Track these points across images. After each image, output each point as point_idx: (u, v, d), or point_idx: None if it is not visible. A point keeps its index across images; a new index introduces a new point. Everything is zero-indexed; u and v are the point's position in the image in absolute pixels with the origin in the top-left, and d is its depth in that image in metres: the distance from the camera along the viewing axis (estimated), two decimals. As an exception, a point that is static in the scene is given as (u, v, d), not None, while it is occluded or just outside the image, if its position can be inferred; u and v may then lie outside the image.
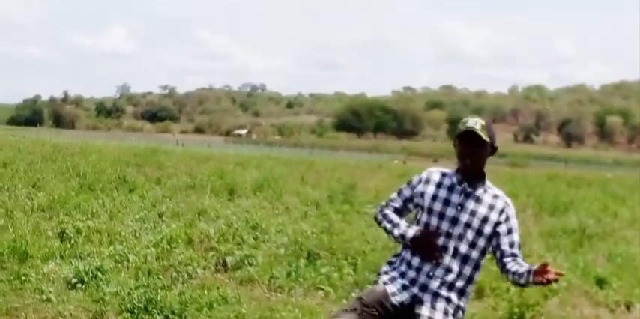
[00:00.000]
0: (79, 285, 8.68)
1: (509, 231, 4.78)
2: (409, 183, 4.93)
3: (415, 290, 4.63)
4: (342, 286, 9.32)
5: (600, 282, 10.70)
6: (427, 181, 4.81)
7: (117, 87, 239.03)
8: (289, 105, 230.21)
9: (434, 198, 4.73)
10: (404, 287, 4.65)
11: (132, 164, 24.13)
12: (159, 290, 8.18)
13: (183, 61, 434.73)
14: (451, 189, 4.73)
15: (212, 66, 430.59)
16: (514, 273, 4.67)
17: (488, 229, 4.71)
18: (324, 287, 9.26)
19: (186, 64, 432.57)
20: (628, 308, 9.50)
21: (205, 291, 8.62)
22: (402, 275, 4.70)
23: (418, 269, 4.66)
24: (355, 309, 4.60)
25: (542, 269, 4.48)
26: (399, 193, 4.96)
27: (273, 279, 9.58)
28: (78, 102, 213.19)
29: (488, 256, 4.88)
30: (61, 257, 10.09)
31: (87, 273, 8.91)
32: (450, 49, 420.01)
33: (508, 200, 4.88)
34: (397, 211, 4.93)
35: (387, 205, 4.97)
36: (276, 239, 11.95)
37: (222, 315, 7.75)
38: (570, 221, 16.87)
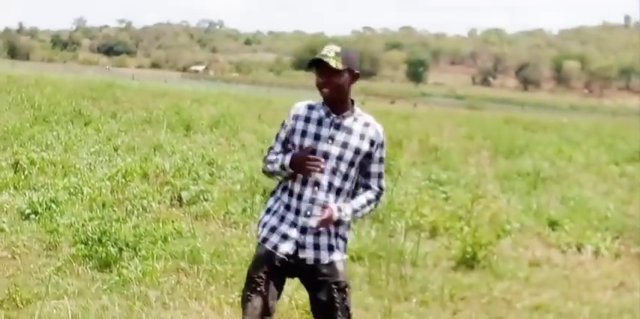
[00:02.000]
0: (33, 216, 8.62)
1: (380, 161, 4.64)
2: (282, 125, 4.68)
3: (295, 235, 4.50)
4: (297, 223, 9.33)
5: (553, 224, 10.83)
6: (296, 117, 4.59)
7: (73, 20, 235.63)
8: (247, 43, 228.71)
9: (303, 133, 4.52)
10: (284, 237, 4.51)
11: (87, 97, 23.91)
12: (113, 223, 8.13)
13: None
14: (320, 122, 4.53)
15: (170, 1, 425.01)
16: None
17: (359, 159, 4.55)
18: (279, 223, 9.27)
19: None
20: (579, 249, 9.63)
21: (160, 225, 8.60)
22: (282, 219, 4.55)
23: (297, 211, 4.51)
24: (256, 290, 4.51)
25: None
26: (277, 138, 4.71)
27: (229, 215, 9.58)
28: (33, 33, 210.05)
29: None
30: (15, 188, 10.01)
31: (40, 204, 8.84)
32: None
33: (379, 128, 4.62)
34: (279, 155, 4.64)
35: (268, 153, 4.70)
36: (232, 176, 11.94)
37: (176, 249, 7.73)
38: (525, 164, 17.01)
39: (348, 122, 4.53)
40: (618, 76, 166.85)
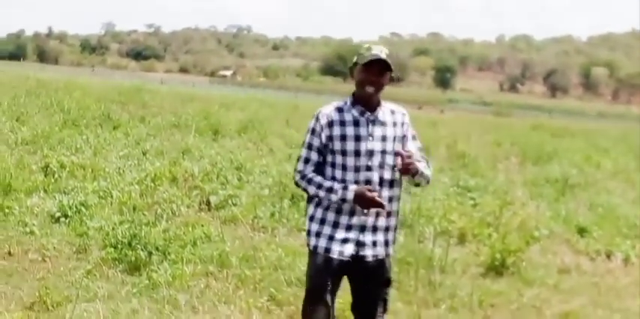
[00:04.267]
0: (63, 219, 8.69)
1: (413, 138, 4.80)
2: (313, 132, 4.72)
3: (354, 235, 4.59)
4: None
5: (581, 231, 10.76)
6: (330, 123, 4.64)
7: (102, 24, 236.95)
8: (275, 48, 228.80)
9: (343, 138, 4.60)
10: (344, 241, 4.59)
11: (116, 101, 24.04)
12: (143, 227, 8.18)
13: (169, 0, 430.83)
14: (357, 123, 4.62)
15: (198, 6, 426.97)
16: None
17: (399, 146, 4.67)
18: (307, 228, 9.26)
19: (173, 2, 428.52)
20: (608, 256, 9.56)
21: (189, 229, 8.63)
22: (336, 225, 4.62)
23: (352, 213, 4.59)
24: (321, 300, 4.62)
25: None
26: (310, 147, 4.72)
27: (257, 219, 9.60)
28: (62, 38, 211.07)
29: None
30: (45, 191, 10.08)
31: (70, 208, 8.92)
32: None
33: (402, 110, 4.82)
34: (319, 166, 4.71)
35: (305, 166, 4.73)
36: (260, 180, 11.96)
37: (205, 253, 7.75)
38: (553, 170, 16.92)
39: (380, 116, 4.68)
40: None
